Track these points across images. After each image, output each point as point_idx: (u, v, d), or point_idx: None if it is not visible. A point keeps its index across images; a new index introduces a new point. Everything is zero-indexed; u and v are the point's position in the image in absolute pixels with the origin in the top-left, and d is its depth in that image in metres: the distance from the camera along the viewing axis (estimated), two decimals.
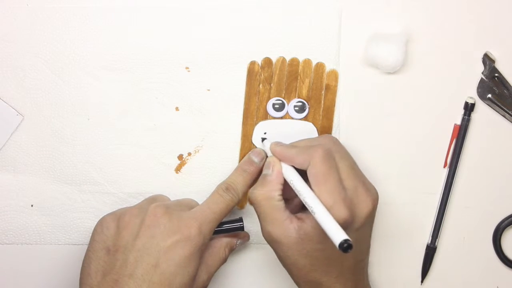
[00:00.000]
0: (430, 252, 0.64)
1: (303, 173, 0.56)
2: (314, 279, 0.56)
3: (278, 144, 0.58)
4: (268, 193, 0.56)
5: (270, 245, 0.57)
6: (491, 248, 0.65)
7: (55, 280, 0.64)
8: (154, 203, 0.57)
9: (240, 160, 0.64)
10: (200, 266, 0.57)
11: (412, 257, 0.65)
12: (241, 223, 0.61)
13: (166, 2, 0.62)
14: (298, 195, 0.55)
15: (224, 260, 0.60)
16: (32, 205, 0.64)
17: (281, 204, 0.56)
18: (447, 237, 0.65)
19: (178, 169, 0.64)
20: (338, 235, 0.50)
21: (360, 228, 0.55)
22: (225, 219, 0.60)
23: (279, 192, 0.56)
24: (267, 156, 0.63)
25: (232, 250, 0.61)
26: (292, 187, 0.56)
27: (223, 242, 0.60)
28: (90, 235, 0.63)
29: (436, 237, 0.64)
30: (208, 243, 0.58)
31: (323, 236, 0.52)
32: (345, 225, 0.52)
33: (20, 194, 0.64)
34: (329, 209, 0.52)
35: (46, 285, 0.64)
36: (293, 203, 0.59)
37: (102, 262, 0.55)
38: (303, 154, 0.55)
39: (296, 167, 0.56)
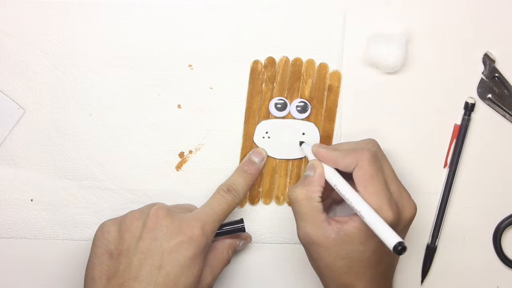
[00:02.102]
0: (430, 252, 0.64)
1: (345, 177, 0.57)
2: (347, 281, 0.56)
3: (320, 146, 0.59)
4: (309, 193, 0.56)
5: (305, 246, 0.57)
6: (491, 248, 0.65)
7: (54, 275, 0.64)
8: (155, 206, 0.57)
9: (241, 159, 0.64)
10: (205, 267, 0.57)
11: (412, 257, 0.65)
12: (242, 224, 0.61)
13: (170, 0, 0.63)
14: (344, 198, 0.55)
15: (228, 261, 0.60)
16: (32, 200, 0.64)
17: (320, 205, 0.56)
18: (447, 237, 0.65)
19: (178, 166, 0.64)
20: (392, 238, 0.51)
21: (400, 232, 0.55)
22: (226, 221, 0.60)
23: (319, 194, 0.56)
24: (268, 156, 0.64)
25: (235, 251, 0.61)
26: (337, 190, 0.56)
27: (225, 243, 0.60)
28: (90, 230, 0.64)
29: (436, 237, 0.64)
30: (211, 244, 0.58)
31: (366, 238, 0.54)
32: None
33: (20, 188, 0.63)
34: (376, 210, 0.53)
35: (44, 280, 0.64)
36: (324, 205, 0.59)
37: (106, 267, 0.55)
38: (348, 156, 0.56)
39: (340, 169, 0.57)
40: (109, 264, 0.55)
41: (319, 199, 0.56)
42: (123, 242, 0.55)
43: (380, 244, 0.52)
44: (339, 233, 0.55)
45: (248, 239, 0.63)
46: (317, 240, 0.55)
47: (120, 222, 0.57)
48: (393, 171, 0.58)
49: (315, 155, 0.58)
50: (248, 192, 0.64)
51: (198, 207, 0.60)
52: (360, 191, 0.55)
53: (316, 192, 0.56)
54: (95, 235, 0.57)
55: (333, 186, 0.57)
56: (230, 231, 0.60)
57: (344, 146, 0.58)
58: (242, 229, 0.61)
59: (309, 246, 0.56)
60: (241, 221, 0.61)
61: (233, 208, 0.60)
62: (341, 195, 0.56)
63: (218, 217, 0.58)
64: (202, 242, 0.56)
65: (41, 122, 0.63)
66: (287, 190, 0.58)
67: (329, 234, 0.55)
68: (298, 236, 0.57)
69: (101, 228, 0.57)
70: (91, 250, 0.57)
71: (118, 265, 0.55)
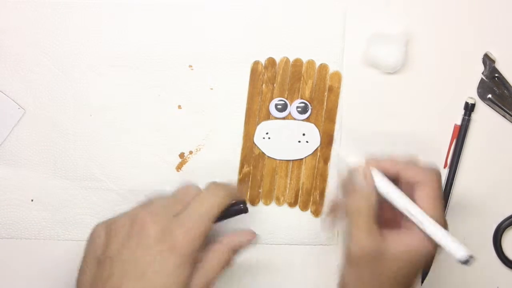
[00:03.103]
0: None
1: None
2: None
3: (376, 157, 0.56)
4: (370, 203, 0.54)
5: (359, 260, 0.53)
6: (492, 248, 0.65)
7: (54, 275, 0.64)
8: (143, 211, 0.55)
9: (241, 159, 0.64)
10: (197, 273, 0.54)
11: None
12: (243, 205, 0.57)
13: (171, 0, 0.63)
14: (399, 208, 0.54)
15: (228, 264, 0.56)
16: (32, 200, 0.64)
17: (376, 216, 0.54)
18: None
19: (179, 167, 0.64)
20: (461, 250, 0.52)
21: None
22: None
23: (376, 204, 0.54)
24: (268, 157, 0.64)
25: (237, 252, 0.57)
26: (390, 199, 0.54)
27: (226, 244, 0.56)
28: (90, 231, 0.63)
29: None
30: (210, 247, 0.55)
31: (412, 253, 0.53)
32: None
33: (20, 189, 0.64)
34: None
35: (44, 280, 0.64)
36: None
37: (92, 274, 0.53)
38: (418, 170, 0.54)
39: (401, 178, 0.55)
40: (96, 271, 0.53)
41: (376, 209, 0.54)
42: (109, 249, 0.53)
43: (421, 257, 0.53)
44: (397, 246, 0.53)
45: (253, 237, 0.59)
46: (376, 250, 0.52)
47: (109, 226, 0.55)
48: None
49: (376, 165, 0.55)
50: (248, 193, 0.64)
51: (200, 187, 0.57)
52: (421, 207, 0.53)
53: (374, 202, 0.54)
54: (88, 238, 0.55)
55: (385, 194, 0.55)
56: (230, 213, 0.57)
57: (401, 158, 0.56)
58: (244, 210, 0.57)
59: (365, 258, 0.53)
60: (243, 202, 0.57)
61: (224, 205, 0.56)
62: (396, 204, 0.54)
63: (207, 217, 0.54)
64: (187, 250, 0.53)
65: (41, 122, 0.63)
66: (344, 202, 0.54)
67: (384, 246, 0.53)
68: (350, 249, 0.53)
69: (92, 232, 0.55)
70: (83, 254, 0.55)
71: (103, 272, 0.53)
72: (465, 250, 0.51)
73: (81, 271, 0.54)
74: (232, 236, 0.57)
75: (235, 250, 0.57)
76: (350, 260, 0.54)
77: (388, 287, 0.53)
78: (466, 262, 0.51)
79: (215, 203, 0.55)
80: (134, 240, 0.53)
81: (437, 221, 0.53)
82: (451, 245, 0.52)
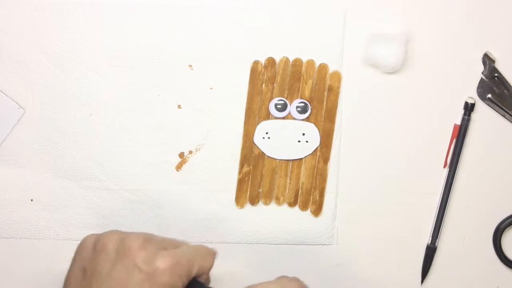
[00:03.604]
0: (430, 252, 0.64)
1: None
2: None
3: None
4: None
5: None
6: (491, 248, 0.65)
7: (54, 275, 0.64)
8: (136, 234, 0.53)
9: (241, 159, 0.64)
10: None
11: (412, 257, 0.65)
12: None
13: (171, 0, 0.63)
14: None
15: None
16: (32, 200, 0.64)
17: None
18: (447, 237, 0.65)
19: (179, 167, 0.64)
20: None
21: None
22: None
23: None
24: (268, 157, 0.64)
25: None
26: None
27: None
28: (90, 230, 0.64)
29: (436, 238, 0.64)
30: None
31: None
32: None
33: (20, 188, 0.64)
34: None
35: (44, 280, 0.64)
36: None
37: (78, 285, 0.52)
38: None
39: None
40: (81, 283, 0.52)
41: None
42: (97, 263, 0.52)
43: None
44: None
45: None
46: None
47: (98, 239, 0.53)
48: None
49: None
50: (248, 193, 0.64)
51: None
52: None
53: None
54: (76, 248, 0.54)
55: None
56: None
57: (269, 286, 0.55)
58: None
59: None
60: None
61: (212, 262, 0.54)
62: None
63: (195, 262, 0.53)
64: (167, 285, 0.51)
65: (41, 122, 0.63)
66: None
67: None
68: None
69: (81, 243, 0.54)
70: (70, 263, 0.54)
71: (89, 286, 0.51)
72: None
73: (67, 281, 0.53)
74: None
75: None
76: None
77: None
78: None
79: (204, 254, 0.54)
80: (122, 263, 0.51)
81: None
82: None
